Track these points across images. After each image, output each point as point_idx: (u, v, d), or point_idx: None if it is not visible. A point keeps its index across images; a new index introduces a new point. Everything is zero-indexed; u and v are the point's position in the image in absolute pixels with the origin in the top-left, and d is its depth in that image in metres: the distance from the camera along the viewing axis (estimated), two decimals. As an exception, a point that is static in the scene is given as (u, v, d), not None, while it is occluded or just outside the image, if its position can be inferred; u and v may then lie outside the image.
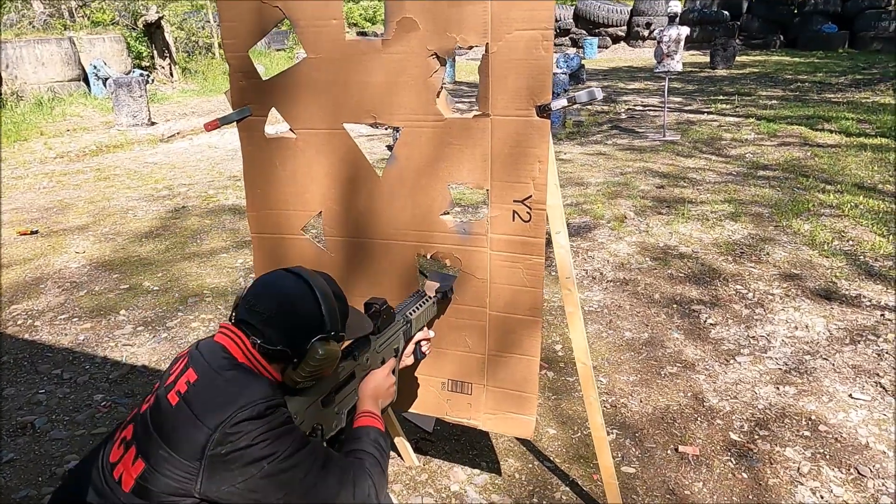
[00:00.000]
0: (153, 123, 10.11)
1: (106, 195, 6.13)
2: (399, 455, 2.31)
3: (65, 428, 2.56)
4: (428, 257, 1.85)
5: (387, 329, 1.57)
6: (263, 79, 1.81)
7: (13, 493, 2.20)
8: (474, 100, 1.71)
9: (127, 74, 12.03)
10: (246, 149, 1.90)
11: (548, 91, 1.59)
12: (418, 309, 1.70)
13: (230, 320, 1.31)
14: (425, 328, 1.76)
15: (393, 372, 1.57)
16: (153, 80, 13.82)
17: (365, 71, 1.72)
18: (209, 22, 17.05)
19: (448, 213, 1.80)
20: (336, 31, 1.69)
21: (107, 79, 11.52)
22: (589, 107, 10.58)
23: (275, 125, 1.88)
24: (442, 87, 1.71)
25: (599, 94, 1.61)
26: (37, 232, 4.97)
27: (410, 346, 1.68)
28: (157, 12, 14.11)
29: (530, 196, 1.68)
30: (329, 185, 1.87)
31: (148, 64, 14.40)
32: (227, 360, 1.22)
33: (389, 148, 6.69)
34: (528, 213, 1.70)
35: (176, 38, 15.35)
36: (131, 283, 3.98)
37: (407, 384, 1.96)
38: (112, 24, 14.18)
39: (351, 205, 1.87)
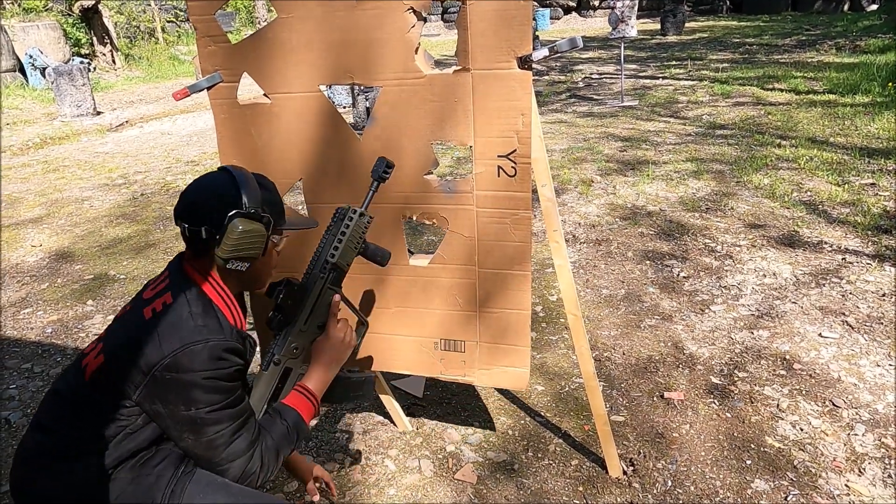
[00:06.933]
0: (99, 113, 9.71)
1: (57, 187, 5.88)
2: (392, 422, 2.31)
3: (42, 421, 2.47)
4: (414, 219, 1.83)
5: (301, 307, 1.45)
6: (233, 42, 1.75)
7: (-6, 489, 2.12)
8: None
9: (66, 63, 11.48)
10: (218, 117, 1.83)
11: (528, 42, 1.58)
12: (341, 240, 1.48)
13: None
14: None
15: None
16: (95, 68, 13.22)
17: (340, 29, 1.67)
18: (150, 5, 16.35)
19: (432, 173, 1.79)
20: (308, -13, 1.63)
21: (45, 68, 10.99)
22: (546, 77, 10.61)
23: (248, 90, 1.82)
24: (419, 44, 1.68)
25: (580, 42, 1.61)
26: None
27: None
28: (94, -4, 13.45)
29: (515, 150, 1.67)
30: (308, 150, 1.82)
31: (87, 51, 13.75)
32: (198, 291, 1.32)
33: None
34: (513, 167, 1.70)
35: (116, 24, 14.70)
36: (96, 273, 3.84)
37: (399, 347, 1.96)
38: (45, 10, 13.45)
39: (332, 170, 1.83)
